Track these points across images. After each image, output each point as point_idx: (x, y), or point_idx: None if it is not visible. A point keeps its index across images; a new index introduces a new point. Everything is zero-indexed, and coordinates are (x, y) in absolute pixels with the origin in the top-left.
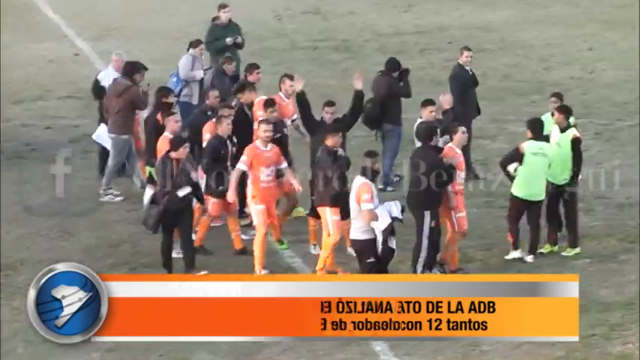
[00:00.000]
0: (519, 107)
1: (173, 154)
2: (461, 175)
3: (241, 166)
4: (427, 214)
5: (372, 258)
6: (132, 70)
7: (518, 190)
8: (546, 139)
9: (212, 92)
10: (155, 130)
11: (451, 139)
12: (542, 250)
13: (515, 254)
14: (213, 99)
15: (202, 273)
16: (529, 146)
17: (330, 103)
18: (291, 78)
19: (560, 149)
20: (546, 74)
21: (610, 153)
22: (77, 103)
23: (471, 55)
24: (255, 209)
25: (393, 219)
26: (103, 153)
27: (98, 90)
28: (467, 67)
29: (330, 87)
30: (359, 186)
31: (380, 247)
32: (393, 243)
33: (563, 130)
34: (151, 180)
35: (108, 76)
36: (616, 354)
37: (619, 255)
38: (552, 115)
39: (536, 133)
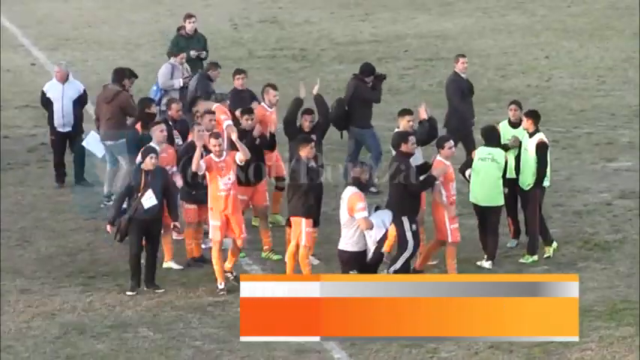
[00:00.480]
0: (477, 115)
1: (143, 165)
2: (453, 185)
3: (202, 164)
4: (405, 220)
5: (356, 270)
6: (121, 76)
7: (471, 195)
8: (504, 147)
9: (175, 105)
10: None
11: (439, 152)
12: (547, 254)
13: (485, 264)
14: (175, 111)
15: (160, 291)
16: (479, 152)
17: (309, 111)
18: (275, 88)
19: (526, 154)
20: (503, 82)
21: (567, 160)
22: (34, 112)
23: (466, 61)
24: (212, 224)
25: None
26: (78, 160)
27: (46, 101)
28: (463, 75)
29: (288, 96)
30: (350, 196)
31: (371, 254)
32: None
33: (531, 136)
34: None
35: (53, 88)
36: None
37: (577, 262)
38: (510, 122)
39: (487, 139)
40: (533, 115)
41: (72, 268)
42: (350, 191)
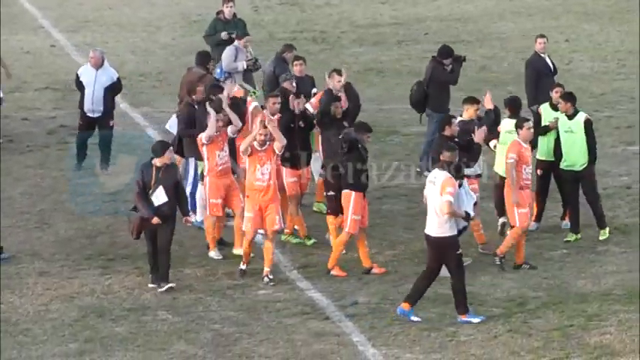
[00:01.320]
0: (497, 98)
1: (156, 161)
2: (526, 169)
3: (247, 148)
4: None
5: (459, 249)
6: (205, 59)
7: (495, 167)
8: (544, 128)
9: (199, 88)
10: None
11: (518, 134)
12: (568, 239)
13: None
14: (200, 93)
15: (170, 285)
16: (504, 124)
17: (338, 99)
18: (340, 73)
19: (573, 135)
20: (523, 66)
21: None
22: (54, 94)
23: (545, 41)
24: (246, 215)
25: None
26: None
27: (79, 85)
28: (542, 55)
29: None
30: (444, 180)
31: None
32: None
33: (570, 117)
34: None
35: (86, 72)
36: (593, 344)
37: (596, 246)
38: (552, 104)
39: (513, 110)
40: (570, 98)
41: (91, 250)
42: (443, 175)
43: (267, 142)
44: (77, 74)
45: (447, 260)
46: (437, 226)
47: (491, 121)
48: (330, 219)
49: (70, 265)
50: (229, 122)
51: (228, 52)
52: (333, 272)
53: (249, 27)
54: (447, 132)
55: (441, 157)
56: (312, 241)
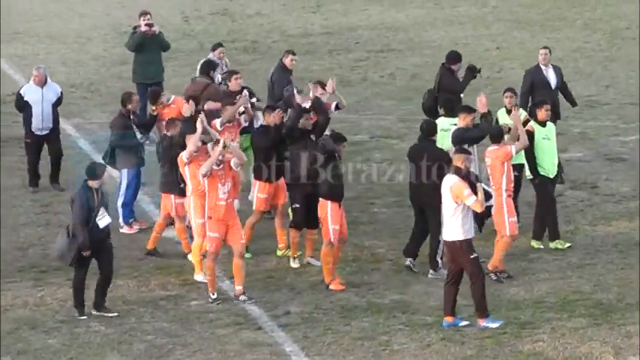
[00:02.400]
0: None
1: (93, 183)
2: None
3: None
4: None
5: (475, 253)
6: (209, 68)
7: None
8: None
9: (135, 97)
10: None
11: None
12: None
13: None
14: (135, 103)
15: (113, 314)
16: (441, 122)
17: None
18: (323, 86)
19: (550, 143)
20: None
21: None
22: None
23: (547, 53)
24: (210, 236)
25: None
26: (55, 162)
27: (23, 104)
28: (543, 67)
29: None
30: (453, 185)
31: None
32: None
33: (544, 125)
34: None
35: (31, 91)
36: (526, 352)
37: (529, 253)
38: (507, 110)
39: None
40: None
41: (23, 262)
42: (451, 180)
43: (223, 161)
44: (20, 94)
45: (463, 264)
46: (450, 230)
47: (489, 124)
48: (292, 232)
49: (2, 278)
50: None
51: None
52: (331, 287)
53: (180, 37)
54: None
55: (454, 162)
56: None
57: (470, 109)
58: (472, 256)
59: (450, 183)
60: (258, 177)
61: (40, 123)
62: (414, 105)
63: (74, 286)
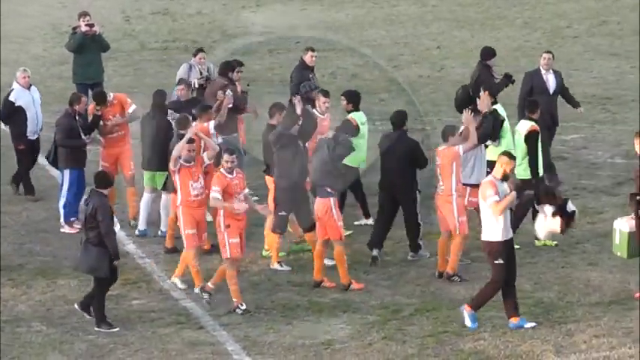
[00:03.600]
0: (368, 106)
1: (105, 191)
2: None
3: (214, 194)
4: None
5: (502, 260)
6: (227, 68)
7: None
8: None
9: (83, 99)
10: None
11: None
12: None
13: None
14: (83, 104)
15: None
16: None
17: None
18: (326, 95)
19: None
20: (395, 73)
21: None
22: None
23: (550, 57)
24: (231, 242)
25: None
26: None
27: (13, 110)
28: (544, 71)
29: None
30: (482, 183)
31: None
32: None
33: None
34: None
35: (22, 95)
36: (467, 350)
37: (470, 252)
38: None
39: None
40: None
41: None
42: (485, 180)
43: (194, 158)
44: (10, 100)
45: (491, 265)
46: (485, 229)
47: (492, 123)
48: (275, 238)
49: None
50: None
51: (181, 70)
52: (352, 287)
53: (120, 36)
54: (450, 141)
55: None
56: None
57: (454, 128)
58: (497, 261)
59: (483, 183)
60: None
61: (34, 127)
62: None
63: (99, 302)
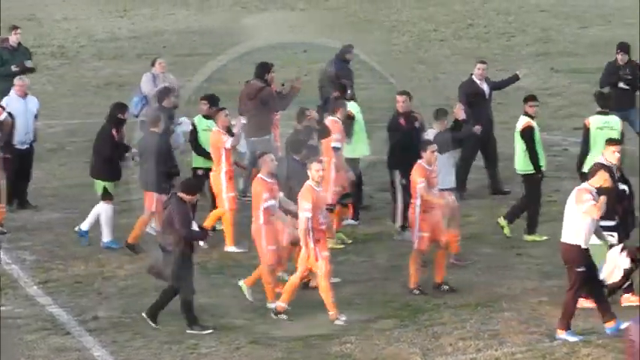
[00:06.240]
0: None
1: (187, 197)
2: (431, 190)
3: (306, 214)
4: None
5: (583, 267)
6: (263, 70)
7: None
8: None
9: None
10: (108, 142)
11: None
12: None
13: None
14: None
15: (209, 331)
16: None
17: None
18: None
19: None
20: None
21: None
22: None
23: (485, 67)
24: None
25: None
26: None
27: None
28: (477, 81)
29: (47, 93)
30: (579, 189)
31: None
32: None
33: (533, 118)
34: (106, 195)
35: (13, 102)
36: (334, 354)
37: (337, 256)
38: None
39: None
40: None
41: None
42: (581, 187)
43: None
44: (1, 105)
45: (568, 270)
46: (565, 231)
47: (468, 132)
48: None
49: None
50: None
51: (145, 80)
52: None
53: None
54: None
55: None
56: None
57: (446, 113)
58: (579, 269)
59: (578, 188)
60: None
61: (23, 136)
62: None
63: (187, 308)
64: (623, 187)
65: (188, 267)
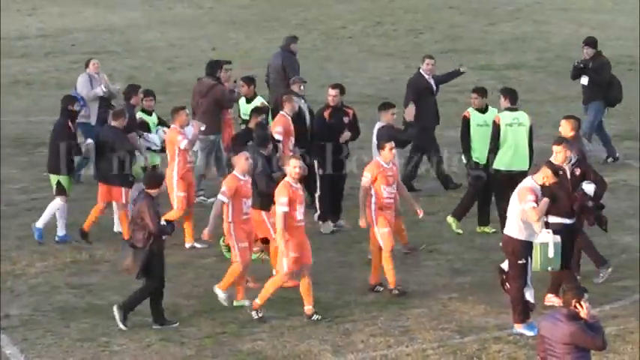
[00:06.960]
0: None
1: (152, 191)
2: (387, 189)
3: (283, 208)
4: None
5: (524, 259)
6: (214, 68)
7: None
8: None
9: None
10: (65, 136)
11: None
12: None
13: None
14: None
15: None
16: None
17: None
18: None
19: (487, 129)
20: (171, 75)
21: None
22: None
23: (433, 63)
24: (292, 256)
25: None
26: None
27: None
28: (426, 75)
29: None
30: (522, 188)
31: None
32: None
33: (482, 111)
34: (60, 190)
35: None
36: (246, 351)
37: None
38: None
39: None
40: (482, 91)
41: None
42: (525, 183)
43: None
44: None
45: (509, 263)
46: (508, 223)
47: (412, 133)
48: None
49: None
50: None
51: (82, 81)
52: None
53: None
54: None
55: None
56: None
57: (392, 105)
58: (519, 261)
59: (522, 185)
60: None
61: None
62: (159, 107)
63: (154, 305)
64: (588, 187)
65: (159, 262)
